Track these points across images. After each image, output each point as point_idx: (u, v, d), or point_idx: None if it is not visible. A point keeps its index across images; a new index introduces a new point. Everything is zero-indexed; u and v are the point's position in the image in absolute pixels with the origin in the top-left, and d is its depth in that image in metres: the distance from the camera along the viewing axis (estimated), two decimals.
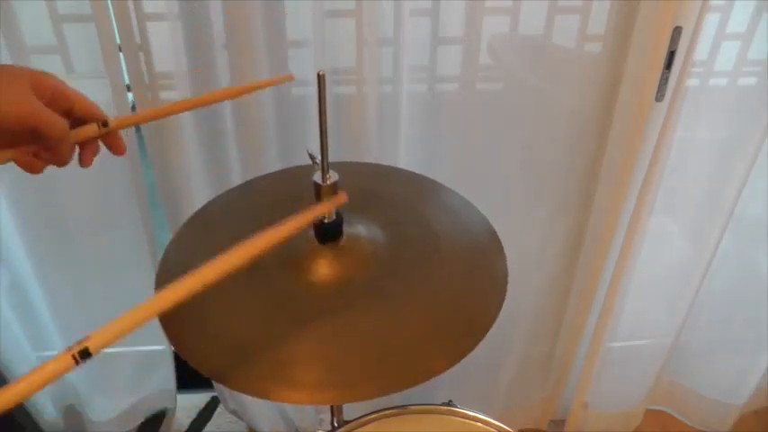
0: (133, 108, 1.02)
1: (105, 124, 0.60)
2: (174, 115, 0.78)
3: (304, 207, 0.71)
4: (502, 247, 0.74)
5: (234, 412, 1.47)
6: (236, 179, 1.09)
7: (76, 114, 0.58)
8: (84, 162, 0.60)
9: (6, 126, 0.51)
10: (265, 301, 0.66)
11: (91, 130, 0.60)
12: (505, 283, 0.69)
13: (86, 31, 0.94)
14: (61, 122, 0.54)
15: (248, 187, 0.85)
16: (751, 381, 1.42)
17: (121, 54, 0.96)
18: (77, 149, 0.59)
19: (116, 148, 0.60)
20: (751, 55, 1.05)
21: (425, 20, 0.99)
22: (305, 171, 0.73)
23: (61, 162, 0.57)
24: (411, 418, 0.81)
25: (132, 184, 1.09)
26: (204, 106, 0.71)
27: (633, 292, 1.26)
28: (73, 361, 0.43)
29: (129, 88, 1.00)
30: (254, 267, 0.70)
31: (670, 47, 0.97)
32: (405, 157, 1.09)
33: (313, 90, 1.03)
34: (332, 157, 0.67)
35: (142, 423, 1.44)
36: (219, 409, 1.51)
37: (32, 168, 0.56)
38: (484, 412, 0.81)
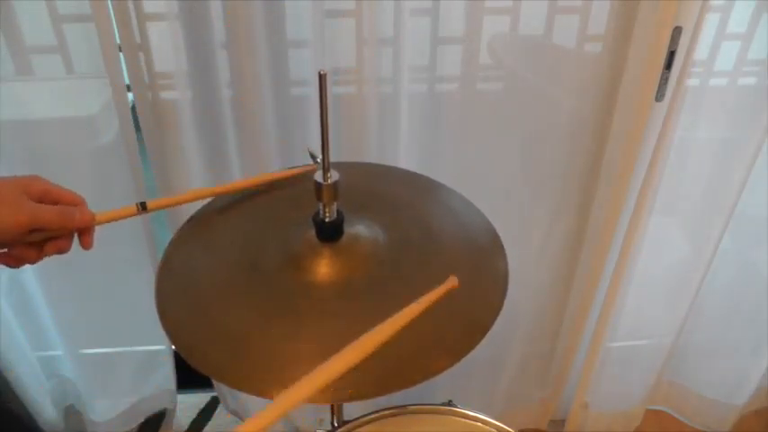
0: (133, 108, 1.02)
1: (144, 206, 0.68)
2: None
3: (304, 207, 0.72)
4: (503, 247, 0.74)
5: (234, 412, 1.47)
6: (236, 179, 1.09)
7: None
8: (85, 245, 0.65)
9: (16, 235, 0.58)
10: (266, 299, 0.66)
11: (129, 211, 0.68)
12: (506, 282, 0.69)
13: (86, 31, 0.94)
14: (84, 215, 0.63)
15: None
16: (751, 381, 1.42)
17: (121, 54, 0.96)
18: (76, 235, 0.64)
19: (85, 242, 0.65)
20: (751, 55, 1.05)
21: (425, 20, 0.99)
22: (305, 171, 0.73)
23: (65, 249, 0.63)
24: (411, 418, 0.81)
25: (132, 183, 1.09)
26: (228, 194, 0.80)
27: (633, 292, 1.26)
28: None
29: (129, 88, 1.00)
30: (255, 266, 0.71)
31: (670, 47, 0.97)
32: (405, 157, 1.09)
33: (313, 90, 1.03)
34: (332, 157, 0.67)
35: (142, 423, 1.44)
36: (219, 409, 1.51)
37: (22, 261, 0.62)
38: (484, 412, 0.81)
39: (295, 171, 0.81)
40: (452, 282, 0.61)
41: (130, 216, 0.68)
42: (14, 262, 0.61)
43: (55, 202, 0.61)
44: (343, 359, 0.53)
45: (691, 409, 1.51)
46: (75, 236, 0.64)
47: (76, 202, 0.63)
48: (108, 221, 0.66)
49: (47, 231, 0.60)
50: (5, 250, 0.61)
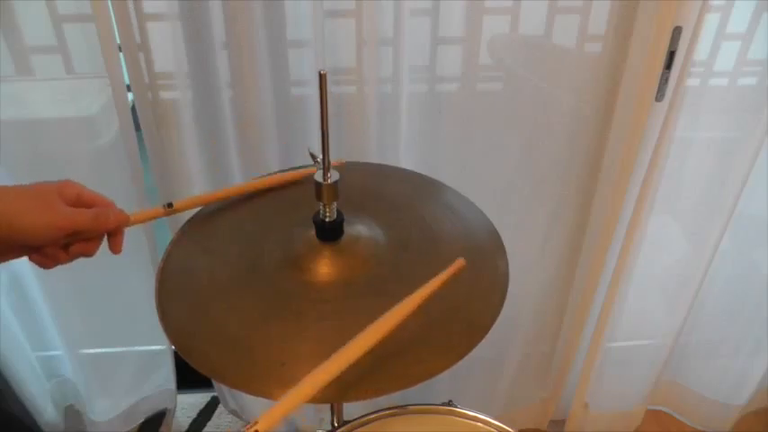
0: (133, 108, 1.02)
1: (171, 206, 0.70)
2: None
3: (304, 207, 0.72)
4: (503, 247, 0.74)
5: (234, 412, 1.47)
6: (237, 179, 1.09)
7: None
8: (115, 249, 0.66)
9: (54, 239, 0.59)
10: (266, 300, 0.66)
11: (157, 212, 0.70)
12: (506, 282, 0.69)
13: (86, 31, 0.94)
14: (118, 216, 0.64)
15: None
16: (751, 381, 1.42)
17: (121, 54, 0.96)
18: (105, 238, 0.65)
19: (115, 245, 0.66)
20: (751, 55, 1.05)
21: (425, 20, 0.99)
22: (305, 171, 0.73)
23: (92, 252, 0.64)
24: (411, 418, 0.81)
25: (132, 184, 1.09)
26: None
27: (633, 292, 1.26)
28: None
29: (129, 88, 1.00)
30: (255, 267, 0.71)
31: (670, 47, 0.97)
32: (405, 157, 1.09)
33: (313, 90, 1.03)
34: (332, 157, 0.67)
35: (142, 423, 1.44)
36: (219, 409, 1.52)
37: (55, 261, 0.62)
38: (484, 412, 0.81)
39: (299, 173, 0.81)
40: (459, 264, 0.61)
41: (159, 217, 0.70)
42: (49, 262, 0.62)
43: (87, 206, 0.62)
44: (360, 344, 0.55)
45: (691, 409, 1.51)
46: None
47: (108, 205, 0.64)
48: (140, 222, 0.68)
49: (82, 234, 0.61)
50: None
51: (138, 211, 0.68)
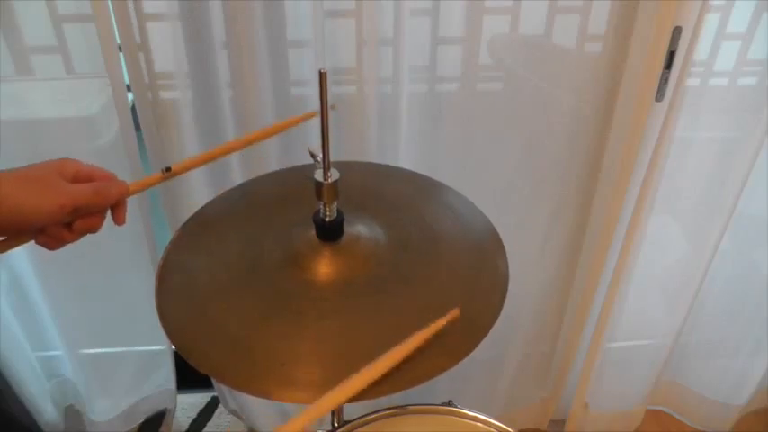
0: (133, 108, 1.02)
1: (169, 170, 0.70)
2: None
3: (304, 207, 0.72)
4: (503, 247, 0.74)
5: (234, 412, 1.47)
6: (236, 179, 1.09)
7: None
8: (119, 221, 0.65)
9: (58, 218, 0.59)
10: (266, 299, 0.66)
11: (155, 177, 0.69)
12: (506, 282, 0.69)
13: (86, 31, 0.94)
14: (119, 187, 0.64)
15: (248, 187, 0.85)
16: (751, 381, 1.42)
17: (121, 54, 0.96)
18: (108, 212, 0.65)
19: (119, 217, 0.66)
20: (751, 55, 1.05)
21: (425, 20, 0.99)
22: (305, 170, 0.73)
23: (97, 227, 0.63)
24: (411, 418, 0.81)
25: None
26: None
27: (633, 292, 1.26)
28: None
29: (129, 88, 1.00)
30: (255, 266, 0.71)
31: (670, 47, 0.97)
32: (405, 157, 1.09)
33: (313, 90, 1.03)
34: (332, 157, 0.67)
35: (142, 423, 1.44)
36: (219, 409, 1.52)
37: (61, 241, 0.62)
38: (484, 412, 0.81)
39: (297, 119, 0.80)
40: (454, 314, 0.62)
41: (159, 182, 0.70)
42: (54, 243, 0.61)
43: (87, 181, 0.62)
44: (345, 390, 0.56)
45: (691, 409, 1.51)
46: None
47: (107, 178, 0.64)
48: (140, 191, 0.67)
49: (85, 210, 0.61)
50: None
51: (137, 180, 0.67)
